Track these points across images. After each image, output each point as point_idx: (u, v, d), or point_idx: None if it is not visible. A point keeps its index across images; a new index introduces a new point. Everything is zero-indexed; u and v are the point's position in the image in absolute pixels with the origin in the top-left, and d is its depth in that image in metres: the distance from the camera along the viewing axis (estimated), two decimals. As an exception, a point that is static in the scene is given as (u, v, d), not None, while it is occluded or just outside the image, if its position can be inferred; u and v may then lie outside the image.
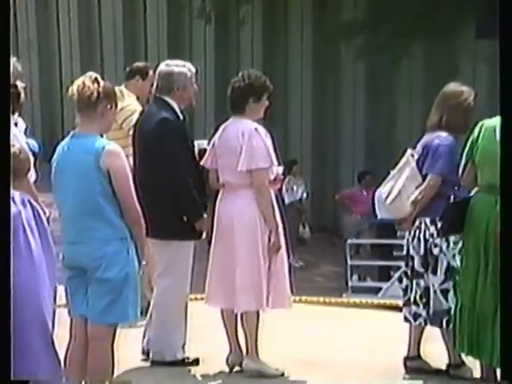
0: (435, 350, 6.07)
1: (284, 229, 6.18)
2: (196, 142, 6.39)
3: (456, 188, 5.91)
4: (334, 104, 14.37)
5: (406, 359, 6.02)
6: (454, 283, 5.83)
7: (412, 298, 5.99)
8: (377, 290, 11.84)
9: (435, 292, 5.86)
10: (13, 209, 1.84)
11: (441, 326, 5.90)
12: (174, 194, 5.99)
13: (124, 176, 4.78)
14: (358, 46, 12.27)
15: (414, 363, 5.99)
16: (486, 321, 5.50)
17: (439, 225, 5.83)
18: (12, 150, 4.78)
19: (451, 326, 5.81)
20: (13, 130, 5.50)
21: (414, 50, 11.95)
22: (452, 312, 5.78)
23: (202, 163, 6.16)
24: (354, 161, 13.96)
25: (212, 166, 6.13)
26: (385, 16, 11.87)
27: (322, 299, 8.71)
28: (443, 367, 6.03)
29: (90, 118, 4.81)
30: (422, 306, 5.92)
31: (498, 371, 5.47)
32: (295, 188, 13.55)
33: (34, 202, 1.82)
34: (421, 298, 5.91)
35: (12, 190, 1.89)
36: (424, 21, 11.19)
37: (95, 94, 4.74)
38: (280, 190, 8.06)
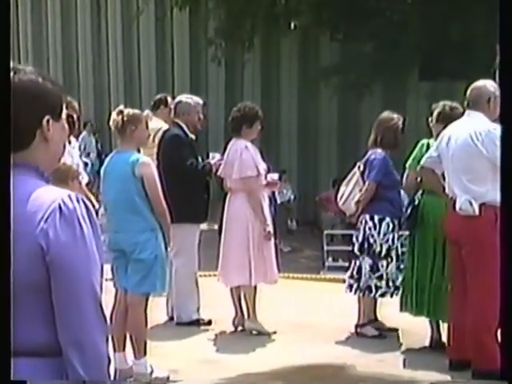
0: (388, 313, 6.08)
1: (274, 223, 6.20)
2: (211, 154, 6.44)
3: (391, 190, 5.88)
4: (314, 128, 14.38)
5: (356, 326, 5.96)
6: (373, 261, 5.83)
7: (349, 274, 6.02)
8: (346, 269, 11.80)
9: (366, 270, 5.87)
10: (70, 205, 1.85)
11: (369, 295, 5.89)
12: (184, 188, 5.95)
13: (153, 181, 4.80)
14: (334, 85, 12.28)
15: (363, 329, 5.93)
16: (441, 291, 5.44)
17: (377, 219, 5.84)
18: None
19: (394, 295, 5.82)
20: (68, 148, 5.56)
21: (375, 88, 11.96)
22: (405, 287, 5.70)
23: (218, 173, 6.19)
24: (329, 170, 13.93)
25: (223, 175, 6.18)
26: (353, 63, 11.90)
27: (304, 276, 8.70)
28: (396, 327, 6.06)
29: (123, 139, 4.88)
30: (354, 280, 5.93)
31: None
32: (285, 191, 13.54)
33: (86, 200, 1.85)
34: (356, 273, 5.93)
35: (68, 191, 1.92)
36: (381, 66, 11.22)
37: (120, 122, 4.82)
38: (273, 192, 8.03)
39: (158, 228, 4.82)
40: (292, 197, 13.76)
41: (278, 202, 13.35)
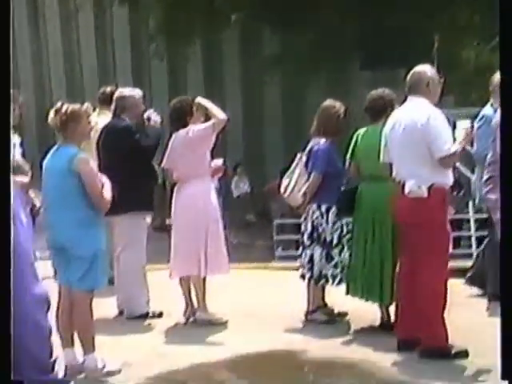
0: (337, 298, 6.12)
1: (223, 215, 6.22)
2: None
3: (336, 179, 5.94)
4: (259, 120, 14.43)
5: (306, 313, 6.01)
6: (325, 250, 5.88)
7: (300, 263, 6.06)
8: (295, 257, 11.81)
9: (320, 259, 5.90)
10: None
11: (324, 283, 5.94)
12: (129, 173, 5.88)
13: (90, 177, 4.77)
14: (276, 76, 12.33)
15: (314, 315, 5.99)
16: (374, 273, 5.57)
17: (324, 208, 5.87)
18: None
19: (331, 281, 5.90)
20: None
21: (319, 77, 12.06)
22: (346, 270, 5.82)
23: (162, 165, 6.19)
24: (277, 160, 13.97)
25: (168, 166, 6.16)
26: (294, 53, 11.94)
27: (254, 265, 8.72)
28: (345, 311, 6.11)
29: (65, 137, 4.84)
30: (306, 269, 5.97)
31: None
32: (242, 185, 13.61)
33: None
34: (307, 263, 5.96)
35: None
36: (322, 56, 11.33)
37: (58, 122, 4.78)
38: (227, 185, 7.98)
39: (97, 223, 4.78)
40: (249, 190, 13.78)
41: (235, 195, 13.39)
